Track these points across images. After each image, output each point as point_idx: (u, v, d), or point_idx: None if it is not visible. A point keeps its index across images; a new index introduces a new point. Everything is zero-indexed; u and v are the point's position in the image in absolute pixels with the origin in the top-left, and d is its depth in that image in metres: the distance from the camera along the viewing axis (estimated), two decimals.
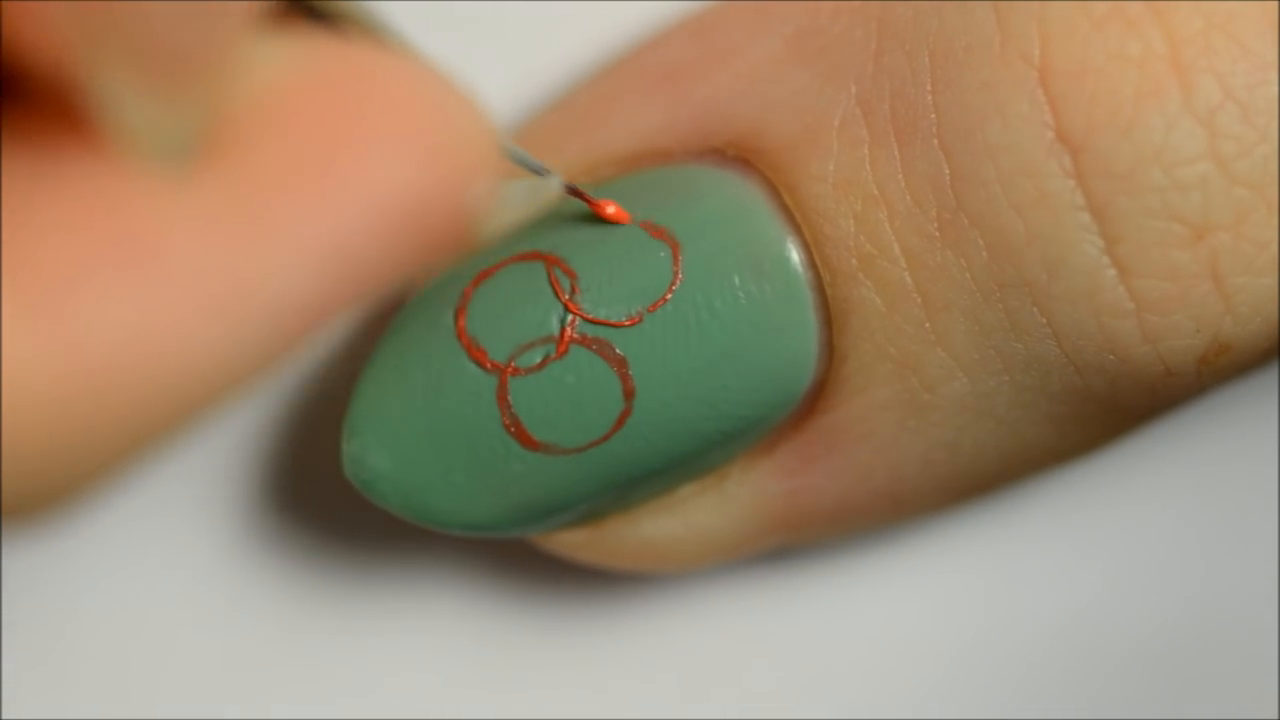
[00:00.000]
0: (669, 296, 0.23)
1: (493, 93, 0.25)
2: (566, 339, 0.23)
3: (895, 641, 0.28)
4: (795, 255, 0.23)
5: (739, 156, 0.23)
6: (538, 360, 0.23)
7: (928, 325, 0.23)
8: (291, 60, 0.16)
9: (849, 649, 0.28)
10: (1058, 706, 0.29)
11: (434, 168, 0.16)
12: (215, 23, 0.15)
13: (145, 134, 0.15)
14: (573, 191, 0.23)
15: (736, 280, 0.23)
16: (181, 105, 0.15)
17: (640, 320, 0.23)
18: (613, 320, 0.23)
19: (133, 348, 0.15)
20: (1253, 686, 0.29)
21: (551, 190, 0.22)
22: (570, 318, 0.23)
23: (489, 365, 0.23)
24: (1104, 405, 0.23)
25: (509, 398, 0.23)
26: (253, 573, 0.25)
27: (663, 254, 0.23)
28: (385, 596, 0.26)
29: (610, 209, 0.23)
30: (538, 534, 0.24)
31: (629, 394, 0.23)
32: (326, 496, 0.26)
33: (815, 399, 0.24)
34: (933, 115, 0.22)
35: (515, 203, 0.19)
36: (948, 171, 0.22)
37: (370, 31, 0.18)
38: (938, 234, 0.22)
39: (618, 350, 0.23)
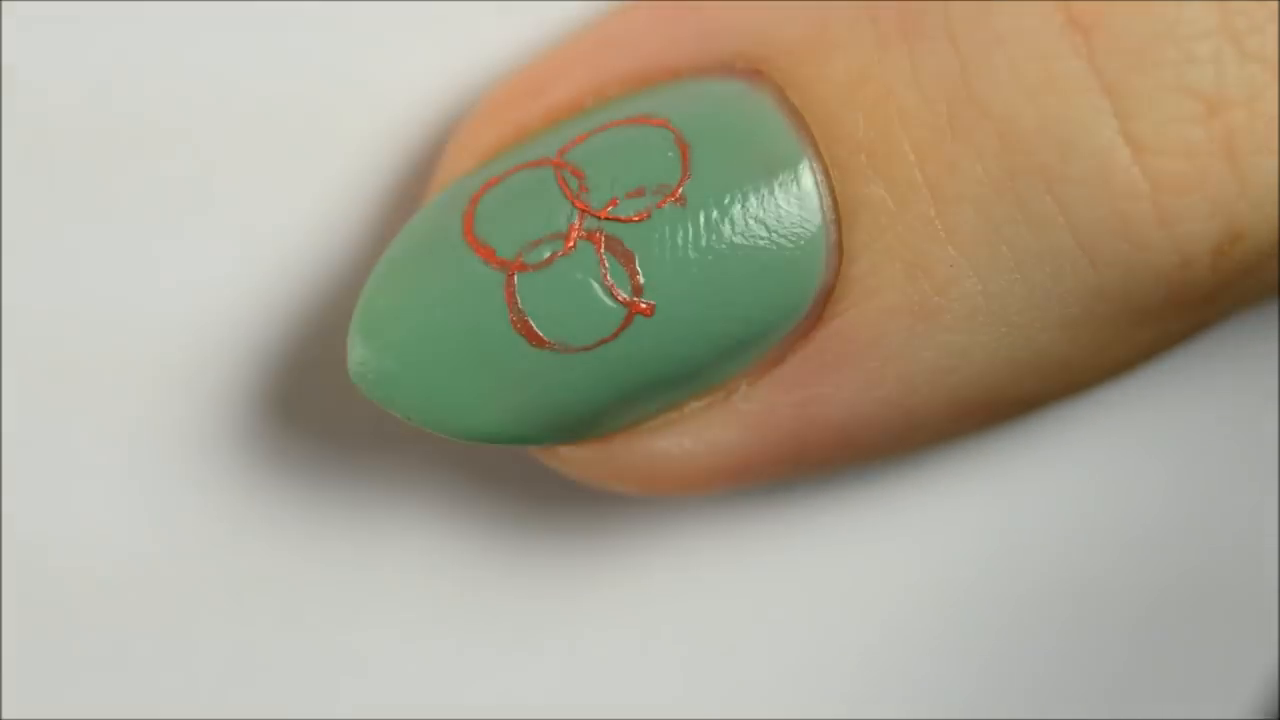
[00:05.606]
0: (678, 193, 0.23)
1: (492, 61, 0.25)
2: (574, 235, 0.23)
3: (902, 579, 0.28)
4: (805, 154, 0.23)
5: (747, 68, 0.23)
6: (545, 256, 0.23)
7: (938, 222, 0.23)
8: None
9: (851, 589, 0.28)
10: (1061, 646, 0.28)
11: None
12: None
13: None
14: None
15: (746, 179, 0.23)
16: None
17: (649, 216, 0.23)
18: (621, 216, 0.23)
19: None
20: (1251, 632, 0.29)
21: None
22: (578, 214, 0.23)
23: (496, 263, 0.23)
24: (1117, 306, 0.23)
25: (516, 294, 0.23)
26: (254, 485, 0.25)
27: (671, 154, 0.23)
28: (387, 516, 0.26)
29: None
30: (545, 445, 0.24)
31: (637, 290, 0.23)
32: (330, 410, 0.25)
33: (824, 305, 0.23)
34: (940, 8, 0.22)
35: None
36: (957, 63, 0.22)
37: None
38: (948, 127, 0.22)
39: (626, 245, 0.23)
